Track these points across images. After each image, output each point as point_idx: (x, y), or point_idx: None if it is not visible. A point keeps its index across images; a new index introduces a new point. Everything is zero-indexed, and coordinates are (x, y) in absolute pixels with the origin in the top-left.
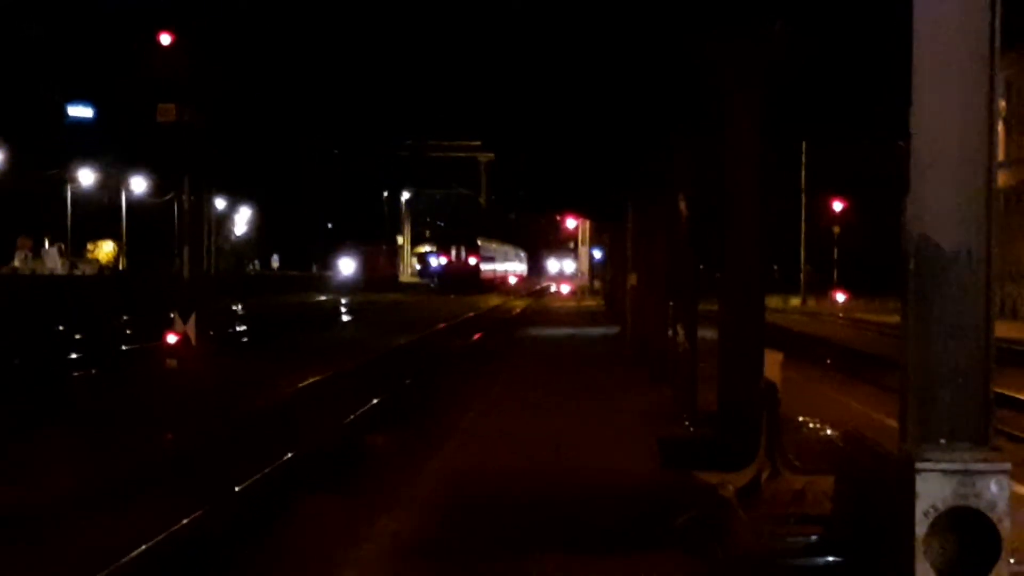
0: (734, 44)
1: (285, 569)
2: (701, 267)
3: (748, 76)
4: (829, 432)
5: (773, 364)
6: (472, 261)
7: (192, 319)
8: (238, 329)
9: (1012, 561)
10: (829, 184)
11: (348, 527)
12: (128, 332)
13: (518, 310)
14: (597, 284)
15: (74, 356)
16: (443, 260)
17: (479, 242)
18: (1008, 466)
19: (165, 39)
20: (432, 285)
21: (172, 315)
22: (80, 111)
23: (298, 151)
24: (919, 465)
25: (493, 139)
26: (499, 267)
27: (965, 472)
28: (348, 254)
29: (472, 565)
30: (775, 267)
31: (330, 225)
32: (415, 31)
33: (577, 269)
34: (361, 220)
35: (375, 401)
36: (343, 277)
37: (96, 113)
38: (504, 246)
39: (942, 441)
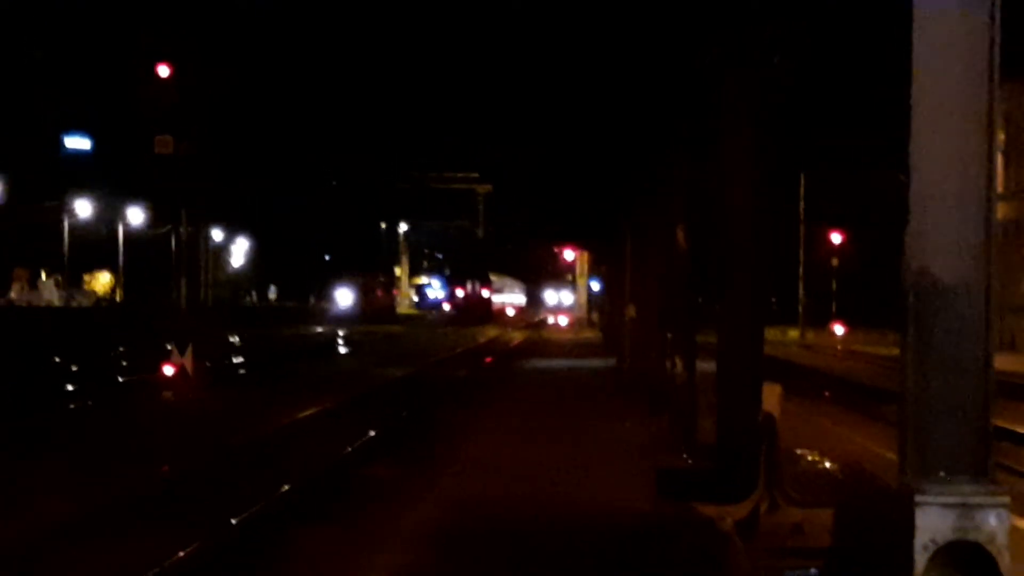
0: (734, 71)
1: None
2: (700, 299)
3: (746, 101)
4: (828, 465)
5: (772, 396)
6: (485, 294)
7: (189, 351)
8: (235, 360)
9: None
10: (827, 216)
11: (346, 559)
12: (125, 364)
13: (516, 342)
14: (595, 316)
15: (70, 388)
16: (459, 292)
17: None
18: (1008, 499)
19: (163, 71)
20: (431, 317)
21: (169, 347)
22: (77, 142)
23: (296, 182)
24: (918, 498)
25: (491, 171)
26: (499, 299)
27: (964, 505)
28: (345, 285)
29: None
30: (773, 299)
31: (327, 256)
32: (414, 63)
33: (575, 301)
34: (359, 251)
35: (372, 433)
36: (340, 308)
37: (93, 144)
38: (503, 278)
39: (941, 474)
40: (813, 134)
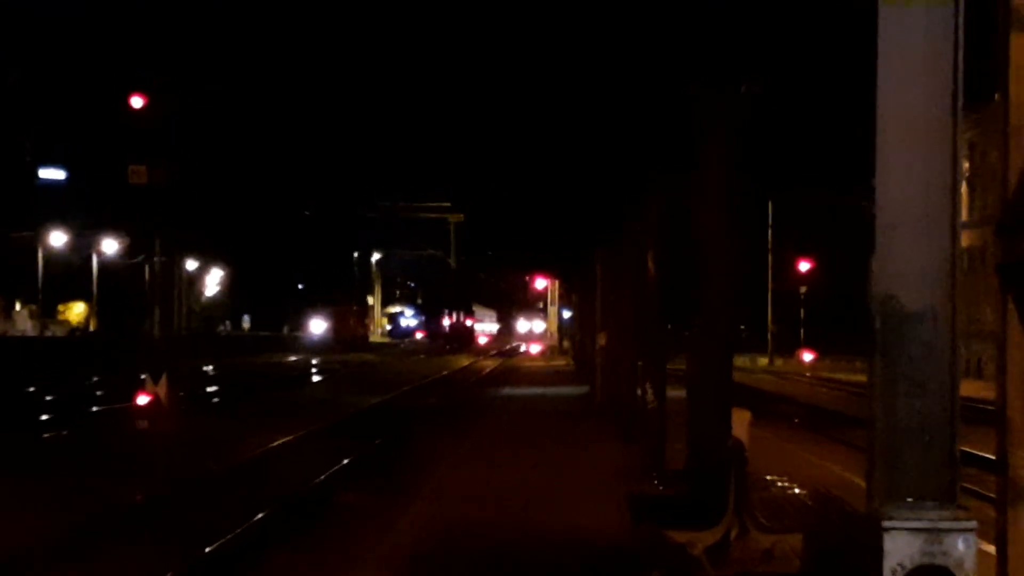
0: (705, 99)
1: None
2: (670, 326)
3: (719, 130)
4: (797, 491)
5: (741, 423)
6: (468, 323)
7: (163, 380)
8: (209, 390)
9: None
10: (795, 244)
11: None
12: (99, 393)
13: (489, 370)
14: (566, 344)
15: (44, 417)
16: (445, 322)
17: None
18: (975, 524)
19: (137, 102)
20: (404, 345)
21: (143, 376)
22: (52, 173)
23: (269, 213)
24: (886, 523)
25: (463, 200)
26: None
27: (932, 530)
28: (319, 314)
29: None
30: (742, 327)
31: (301, 286)
32: (387, 92)
33: (546, 329)
34: (332, 281)
35: (346, 460)
36: (314, 337)
37: (68, 175)
38: (477, 308)
39: (909, 499)
40: (787, 154)
